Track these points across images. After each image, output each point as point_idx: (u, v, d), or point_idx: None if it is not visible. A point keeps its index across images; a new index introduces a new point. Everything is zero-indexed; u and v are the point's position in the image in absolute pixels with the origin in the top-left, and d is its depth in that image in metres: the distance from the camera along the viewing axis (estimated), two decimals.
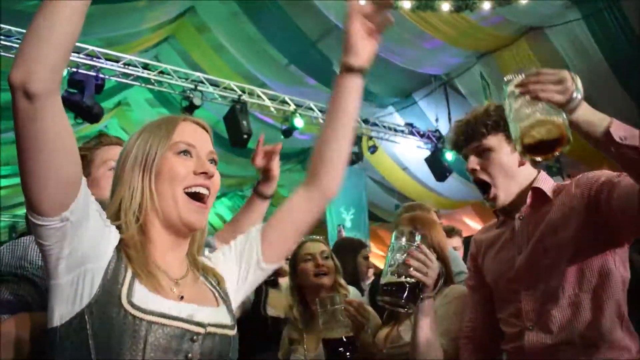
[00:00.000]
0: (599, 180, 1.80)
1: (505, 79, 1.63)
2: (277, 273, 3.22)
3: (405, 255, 1.94)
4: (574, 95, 1.49)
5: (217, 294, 1.43)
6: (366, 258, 4.74)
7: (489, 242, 2.13)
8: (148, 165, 1.36)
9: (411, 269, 1.92)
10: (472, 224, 12.03)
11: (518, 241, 1.97)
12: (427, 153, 10.02)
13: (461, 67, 9.33)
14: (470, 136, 2.00)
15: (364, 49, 1.47)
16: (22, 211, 14.76)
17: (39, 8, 1.10)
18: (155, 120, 1.47)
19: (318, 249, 2.77)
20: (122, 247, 1.29)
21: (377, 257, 11.90)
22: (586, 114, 1.52)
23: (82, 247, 1.21)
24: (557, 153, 1.51)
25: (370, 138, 9.76)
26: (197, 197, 1.39)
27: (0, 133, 8.98)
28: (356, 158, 9.26)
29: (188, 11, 9.24)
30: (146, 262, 1.29)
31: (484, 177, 1.98)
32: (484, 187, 2.00)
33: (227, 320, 1.37)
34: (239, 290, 1.52)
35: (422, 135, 10.00)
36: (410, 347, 2.04)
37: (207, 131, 1.50)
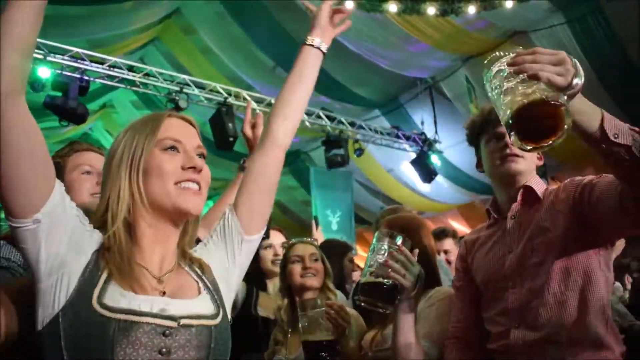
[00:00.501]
0: (582, 182, 1.83)
1: (490, 58, 1.46)
2: (265, 275, 3.23)
3: (385, 256, 1.94)
4: (575, 80, 1.35)
5: (200, 283, 1.42)
6: (351, 261, 4.74)
7: (479, 242, 2.14)
8: (135, 163, 1.36)
9: (390, 270, 1.92)
10: (459, 227, 12.06)
11: (509, 240, 1.99)
12: (413, 156, 10.06)
13: (447, 71, 9.38)
14: None
15: (327, 30, 1.71)
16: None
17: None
18: (140, 119, 1.47)
19: (307, 251, 2.77)
20: (101, 250, 1.29)
21: (363, 259, 11.90)
22: (581, 102, 1.43)
23: (60, 251, 1.23)
24: (550, 142, 1.34)
25: (357, 141, 9.77)
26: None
27: None
28: (342, 161, 9.26)
29: (174, 13, 9.20)
30: (125, 262, 1.28)
31: (518, 151, 1.95)
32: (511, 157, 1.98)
33: (207, 310, 1.36)
34: (232, 271, 1.53)
35: (408, 138, 10.04)
36: (391, 349, 2.04)
37: (193, 126, 1.50)
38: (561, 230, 1.83)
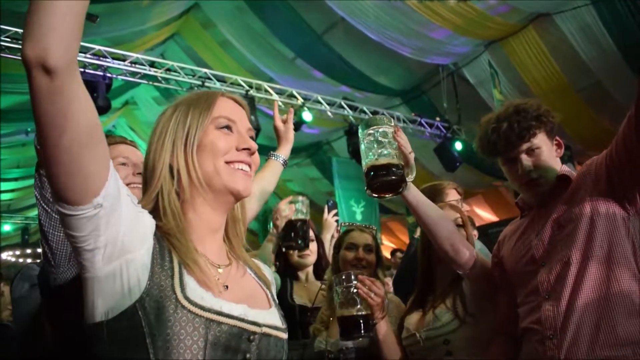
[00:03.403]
0: (602, 154, 1.90)
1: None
2: (295, 268, 3.24)
3: (385, 138, 1.95)
4: None
5: (269, 296, 1.39)
6: None
7: (511, 233, 2.19)
8: (190, 140, 1.30)
9: (396, 150, 1.96)
10: (483, 214, 11.99)
11: (536, 225, 2.03)
12: (436, 143, 9.97)
13: (469, 56, 9.25)
14: (519, 138, 2.02)
15: None
16: (33, 213, 14.89)
17: None
18: (191, 95, 1.41)
19: (363, 240, 2.72)
20: (162, 235, 1.22)
21: (387, 249, 11.89)
22: None
23: (120, 235, 1.12)
24: None
25: None
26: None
27: (1, 137, 9.03)
28: None
29: (192, 8, 9.24)
30: (190, 249, 1.22)
31: (536, 175, 2.02)
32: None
33: (279, 322, 1.33)
34: None
35: (431, 126, 9.96)
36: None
37: (244, 108, 1.46)
38: (585, 200, 1.88)
